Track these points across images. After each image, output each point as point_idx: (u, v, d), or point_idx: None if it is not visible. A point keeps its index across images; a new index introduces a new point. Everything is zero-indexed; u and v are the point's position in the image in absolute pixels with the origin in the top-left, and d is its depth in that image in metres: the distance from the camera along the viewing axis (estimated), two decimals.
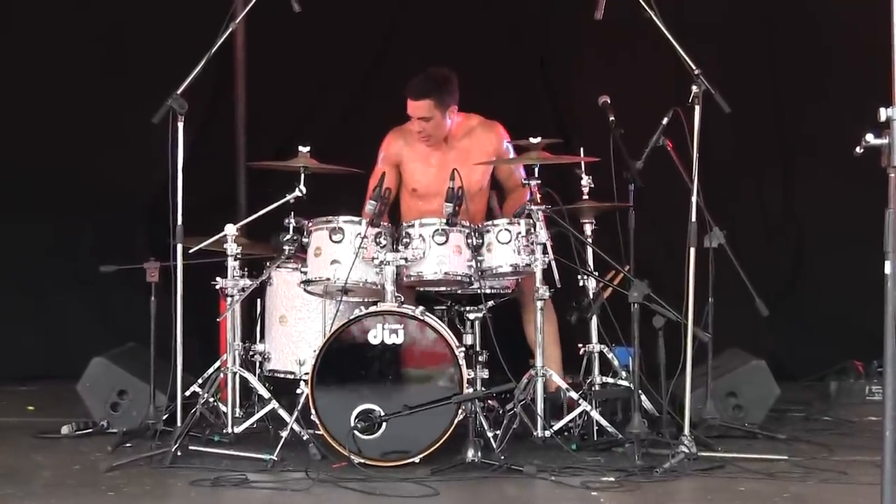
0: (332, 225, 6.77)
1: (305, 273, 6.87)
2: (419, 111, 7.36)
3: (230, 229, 6.94)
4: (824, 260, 9.62)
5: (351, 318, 6.56)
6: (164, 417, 6.99)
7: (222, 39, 6.83)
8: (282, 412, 6.80)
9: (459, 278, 6.81)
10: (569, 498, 5.87)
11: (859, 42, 9.13)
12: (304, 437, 6.57)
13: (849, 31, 9.32)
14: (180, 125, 6.59)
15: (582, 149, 7.23)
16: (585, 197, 7.20)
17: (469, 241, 6.78)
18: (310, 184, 6.90)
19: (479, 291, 6.90)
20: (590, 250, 7.19)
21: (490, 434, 6.56)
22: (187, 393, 6.96)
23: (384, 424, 6.34)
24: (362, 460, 6.29)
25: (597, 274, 7.12)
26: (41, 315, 9.90)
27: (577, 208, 7.17)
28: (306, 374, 6.61)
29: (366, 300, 6.92)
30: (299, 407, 6.61)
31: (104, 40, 9.62)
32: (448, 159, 7.39)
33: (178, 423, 6.61)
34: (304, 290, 6.97)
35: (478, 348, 7.11)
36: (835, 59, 9.47)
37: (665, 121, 6.85)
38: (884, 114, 4.26)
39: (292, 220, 6.87)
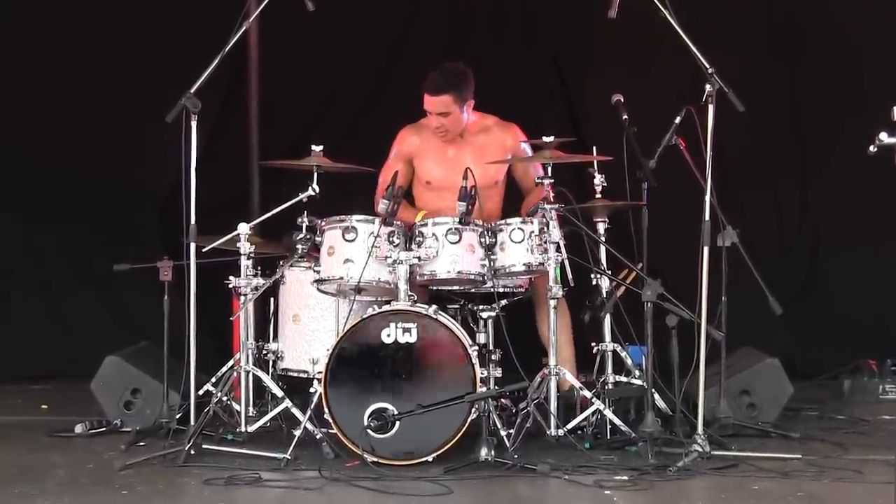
0: (345, 224, 6.78)
1: (318, 272, 6.88)
2: (438, 106, 7.36)
3: (243, 228, 6.94)
4: (838, 259, 9.61)
5: (364, 316, 6.56)
6: (178, 416, 6.99)
7: (235, 38, 6.84)
8: (295, 411, 6.81)
9: (472, 277, 6.81)
10: (582, 497, 5.87)
11: (879, 45, 9.16)
12: (318, 436, 6.57)
13: (870, 34, 9.32)
14: (193, 124, 6.59)
15: (595, 148, 7.22)
16: (598, 196, 7.19)
17: (482, 239, 6.79)
18: (323, 183, 6.91)
19: (492, 290, 6.90)
20: (603, 249, 7.19)
21: (503, 433, 6.57)
22: (200, 392, 6.98)
23: (397, 423, 6.34)
24: (375, 459, 6.29)
25: (610, 273, 7.12)
26: (55, 314, 9.92)
27: (590, 207, 7.17)
28: (319, 372, 6.62)
29: (379, 299, 6.93)
30: (312, 406, 6.61)
31: (119, 40, 9.63)
32: (463, 154, 7.41)
33: (192, 422, 6.62)
34: (318, 288, 6.98)
35: (491, 347, 7.10)
36: (853, 60, 9.45)
37: (678, 120, 6.85)
38: None
39: (305, 219, 6.88)
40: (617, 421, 6.87)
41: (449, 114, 7.37)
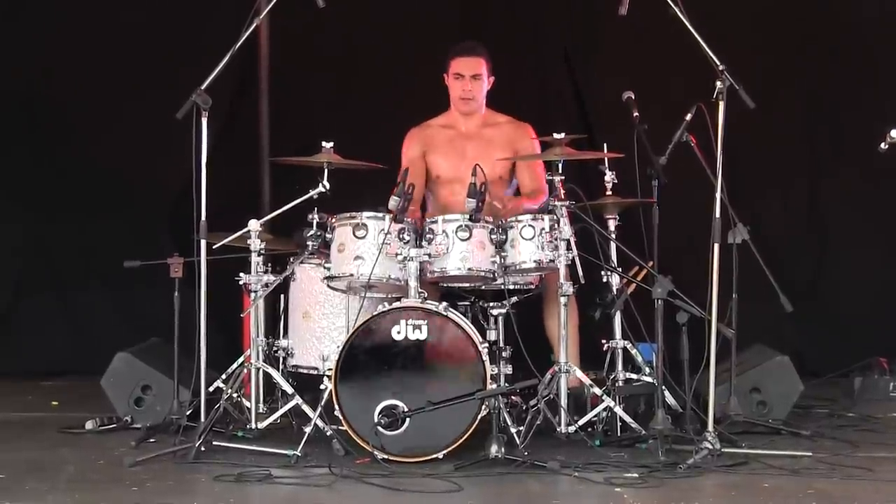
0: (356, 221, 6.77)
1: (329, 269, 6.88)
2: (474, 68, 7.51)
3: (254, 225, 6.96)
4: (849, 256, 9.60)
5: (374, 313, 6.56)
6: (188, 413, 6.99)
7: (246, 35, 6.83)
8: (305, 408, 6.82)
9: (483, 274, 6.80)
10: (592, 494, 5.86)
11: (891, 42, 9.15)
12: (328, 433, 6.58)
13: (883, 31, 9.32)
14: (204, 121, 6.59)
15: (606, 144, 7.21)
16: (609, 193, 7.19)
17: (493, 236, 6.78)
18: (334, 179, 6.91)
19: (502, 287, 6.90)
20: (613, 246, 7.18)
21: (513, 430, 6.57)
22: (211, 388, 7.00)
23: (408, 420, 6.34)
24: (386, 456, 6.29)
25: (620, 270, 7.12)
26: (65, 310, 9.94)
27: (600, 204, 7.17)
28: (330, 369, 6.61)
29: (389, 296, 6.92)
30: (323, 402, 6.62)
31: (130, 34, 9.65)
32: (470, 147, 7.44)
33: (202, 419, 6.61)
34: (328, 285, 6.98)
35: (501, 344, 7.10)
36: (867, 57, 9.44)
37: (689, 116, 6.84)
38: None
39: (316, 216, 6.88)
40: (627, 418, 6.87)
41: (480, 77, 7.52)
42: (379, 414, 6.35)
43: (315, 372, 7.10)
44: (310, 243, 6.90)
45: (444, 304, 6.61)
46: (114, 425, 7.36)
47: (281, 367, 7.18)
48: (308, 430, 6.51)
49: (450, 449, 6.31)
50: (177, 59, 9.26)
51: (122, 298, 9.77)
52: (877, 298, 9.43)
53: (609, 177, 7.19)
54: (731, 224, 6.78)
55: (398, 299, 6.71)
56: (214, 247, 6.89)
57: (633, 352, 7.20)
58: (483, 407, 6.35)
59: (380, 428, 6.33)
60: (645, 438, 6.64)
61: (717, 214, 6.43)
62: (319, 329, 7.15)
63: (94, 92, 9.62)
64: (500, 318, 7.16)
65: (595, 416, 6.90)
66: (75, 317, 9.93)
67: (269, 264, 7.13)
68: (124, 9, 9.61)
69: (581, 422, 6.81)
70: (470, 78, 7.47)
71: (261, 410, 7.06)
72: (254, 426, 6.92)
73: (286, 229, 7.25)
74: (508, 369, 7.02)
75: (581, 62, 9.85)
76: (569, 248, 6.75)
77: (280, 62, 9.62)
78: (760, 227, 7.66)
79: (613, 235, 7.22)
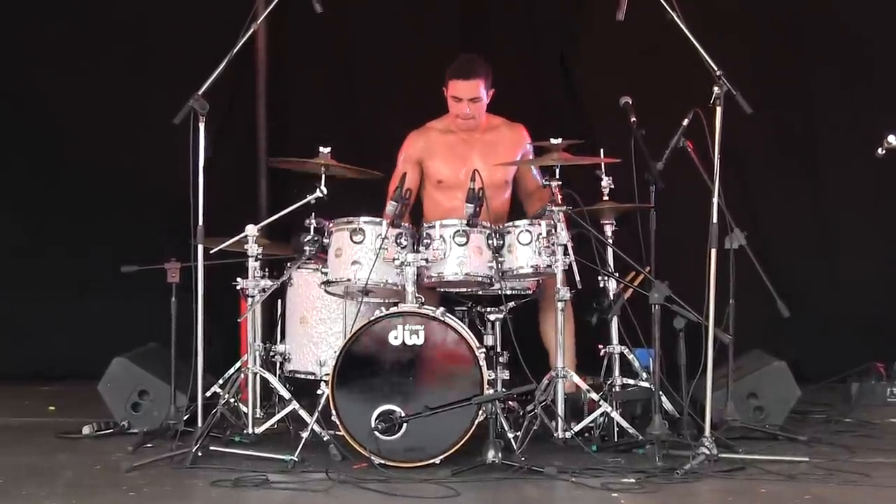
0: (353, 226, 6.78)
1: (326, 274, 6.88)
2: (471, 91, 7.40)
3: (251, 230, 6.95)
4: (847, 261, 9.58)
5: (371, 318, 6.56)
6: (185, 418, 6.99)
7: (244, 40, 6.82)
8: (302, 413, 6.81)
9: (480, 279, 6.80)
10: (589, 499, 5.86)
11: (889, 43, 9.15)
12: (325, 438, 6.58)
13: (883, 30, 9.32)
14: (202, 126, 6.59)
15: (603, 150, 7.21)
16: (606, 198, 7.19)
17: (490, 241, 6.78)
18: (330, 185, 6.90)
19: (499, 292, 6.90)
20: (610, 251, 7.18)
21: (510, 435, 6.57)
22: (208, 393, 6.98)
23: (405, 425, 6.34)
24: (383, 461, 6.30)
25: (617, 275, 7.11)
26: (62, 315, 9.91)
27: (597, 209, 7.17)
28: (327, 374, 6.61)
29: (386, 301, 6.92)
30: (320, 408, 6.62)
31: (128, 39, 9.66)
32: (472, 152, 7.43)
33: (199, 424, 6.61)
34: (325, 290, 6.98)
35: (498, 349, 7.10)
36: (865, 57, 9.44)
37: (686, 122, 6.83)
38: None
39: (313, 221, 6.88)
40: (624, 423, 6.87)
41: (479, 99, 7.43)
42: (376, 419, 6.35)
43: (312, 377, 7.09)
44: (307, 248, 6.89)
45: (442, 309, 6.62)
46: (111, 430, 7.36)
47: (278, 372, 7.16)
48: (305, 435, 6.51)
49: (447, 454, 6.31)
50: (175, 62, 9.27)
51: (119, 303, 9.75)
52: (874, 304, 9.42)
53: (606, 182, 7.19)
54: (728, 229, 6.78)
55: (395, 304, 6.72)
56: (212, 251, 6.88)
57: (631, 357, 7.19)
58: (480, 412, 6.35)
59: (377, 433, 6.33)
60: (642, 444, 6.64)
61: (714, 220, 6.43)
62: (316, 334, 7.14)
63: (93, 95, 9.62)
64: (497, 324, 7.15)
65: (592, 421, 6.90)
66: (72, 321, 9.91)
67: (267, 269, 7.12)
68: (122, 10, 9.61)
69: (578, 427, 6.81)
70: (468, 101, 7.42)
71: (258, 415, 7.07)
72: (251, 431, 6.92)
73: (283, 234, 7.24)
74: (505, 374, 7.02)
75: (578, 66, 9.84)
76: (566, 253, 6.74)
77: (277, 67, 9.62)
78: (757, 232, 7.64)
79: (610, 240, 7.22)
